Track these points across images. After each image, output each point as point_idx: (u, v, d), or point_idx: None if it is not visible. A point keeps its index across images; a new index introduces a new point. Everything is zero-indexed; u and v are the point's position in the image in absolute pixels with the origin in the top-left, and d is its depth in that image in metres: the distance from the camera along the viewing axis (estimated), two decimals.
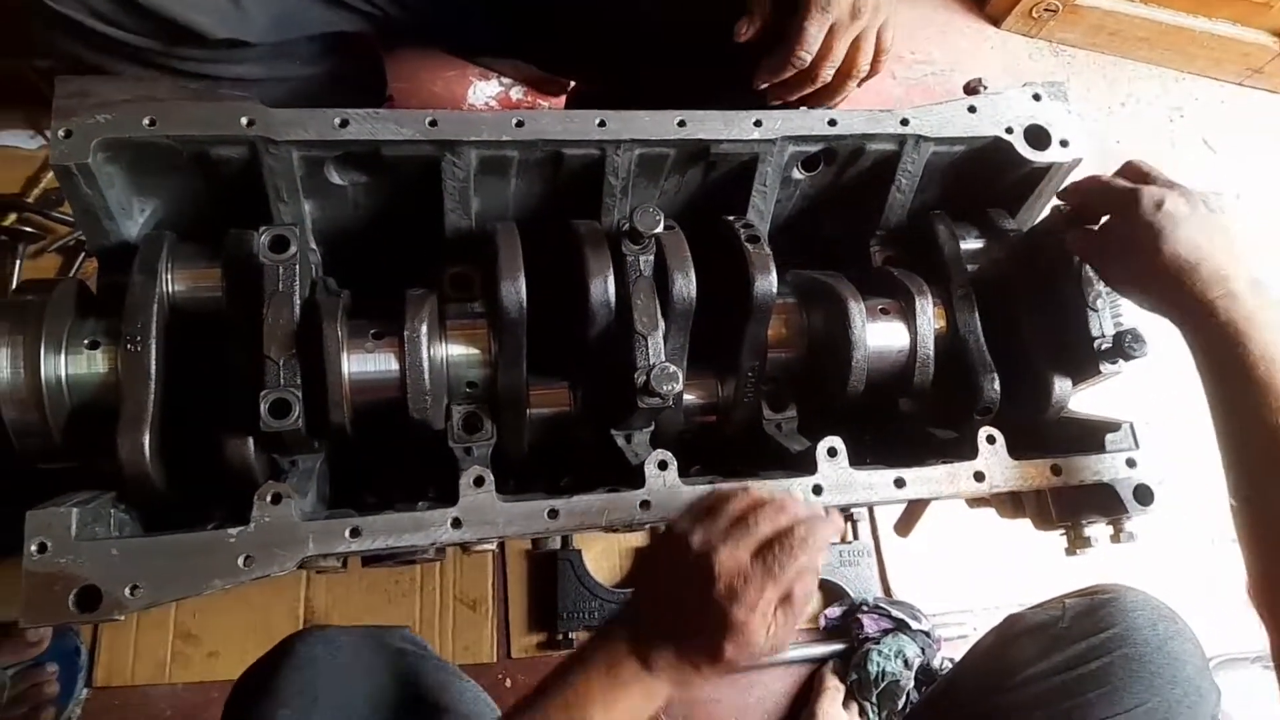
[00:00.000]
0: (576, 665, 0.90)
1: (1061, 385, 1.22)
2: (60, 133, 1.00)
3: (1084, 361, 1.20)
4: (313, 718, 0.94)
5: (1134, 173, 1.13)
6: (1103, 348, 1.18)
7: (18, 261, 1.80)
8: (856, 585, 1.84)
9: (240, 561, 0.91)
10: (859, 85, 1.34)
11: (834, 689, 1.75)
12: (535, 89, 2.16)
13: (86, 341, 1.03)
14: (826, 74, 1.29)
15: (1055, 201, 1.29)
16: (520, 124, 1.12)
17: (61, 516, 0.89)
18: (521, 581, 1.77)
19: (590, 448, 1.21)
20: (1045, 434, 1.23)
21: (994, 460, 1.11)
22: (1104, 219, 1.14)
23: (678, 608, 0.89)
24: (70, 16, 1.17)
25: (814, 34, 1.24)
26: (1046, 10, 2.44)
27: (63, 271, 1.82)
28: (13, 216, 1.81)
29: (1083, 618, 1.15)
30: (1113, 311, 1.20)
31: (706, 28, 1.32)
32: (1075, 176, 1.31)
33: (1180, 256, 1.01)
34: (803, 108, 1.30)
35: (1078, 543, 1.20)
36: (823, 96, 1.34)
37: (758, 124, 1.18)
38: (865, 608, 1.80)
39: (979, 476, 1.10)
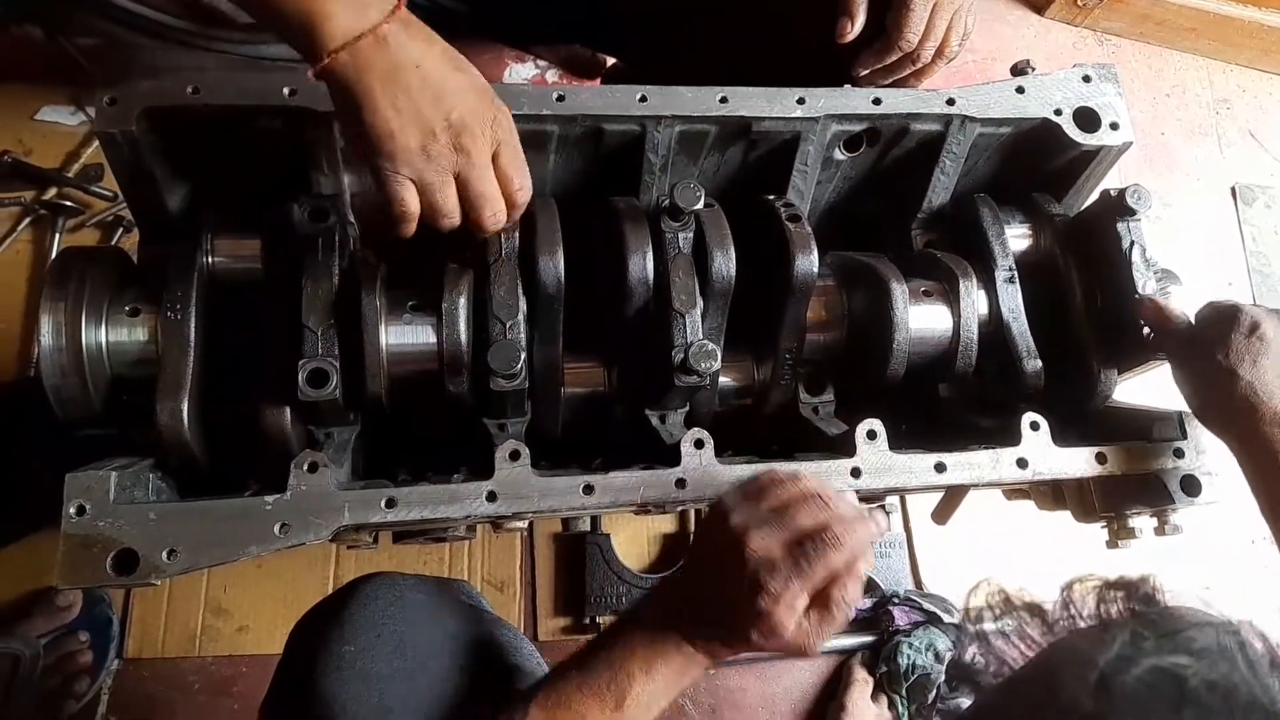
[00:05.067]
0: (620, 630, 0.90)
1: (1107, 373, 1.19)
2: (105, 100, 1.00)
3: (1131, 349, 1.18)
4: (375, 655, 0.94)
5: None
6: (1151, 335, 1.15)
7: (56, 235, 1.82)
8: (887, 577, 1.82)
9: (276, 529, 0.91)
10: (946, 65, 1.33)
11: (862, 681, 1.73)
12: (571, 72, 2.15)
13: (127, 309, 1.04)
14: (927, 54, 1.28)
15: (1103, 185, 1.27)
16: (561, 98, 1.11)
17: (101, 479, 0.90)
18: (549, 564, 1.76)
19: (624, 428, 1.20)
20: (1090, 423, 1.21)
21: (1038, 447, 1.08)
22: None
23: (712, 584, 0.88)
24: None
25: (920, 14, 1.23)
26: None
27: None
28: (53, 191, 1.83)
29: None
30: (1163, 299, 1.17)
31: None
32: (1125, 163, 1.29)
33: (1255, 389, 1.00)
34: (847, 85, 1.27)
35: (1121, 534, 1.17)
36: (914, 79, 1.33)
37: (801, 102, 1.17)
38: (896, 600, 1.78)
39: (1022, 463, 1.08)
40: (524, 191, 1.00)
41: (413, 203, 0.92)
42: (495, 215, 0.98)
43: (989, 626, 0.94)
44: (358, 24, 0.85)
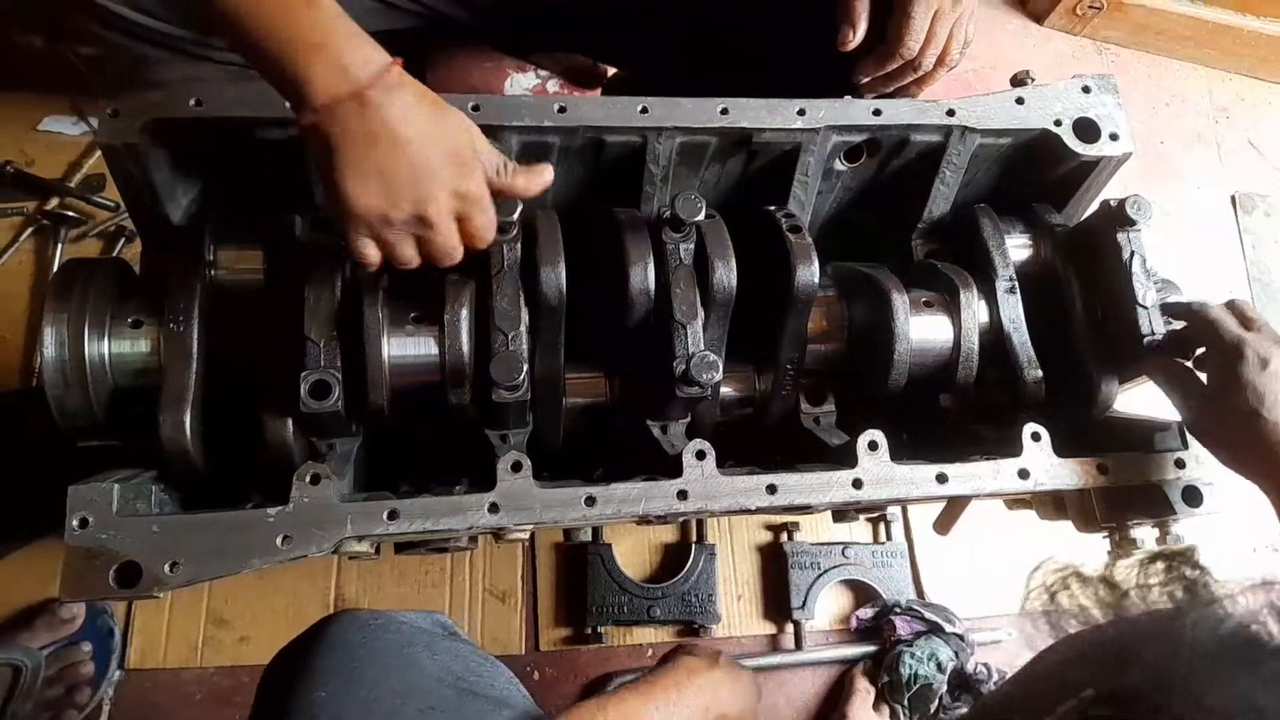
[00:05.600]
0: None
1: (1108, 383, 1.19)
2: (108, 111, 1.00)
3: (1132, 360, 1.18)
4: (347, 700, 0.93)
5: (1240, 315, 1.07)
6: (1152, 346, 1.15)
7: (59, 246, 1.82)
8: (889, 587, 1.81)
9: (279, 541, 0.91)
10: (947, 73, 1.33)
11: (864, 691, 1.73)
12: (572, 81, 2.16)
13: (130, 321, 1.04)
14: (928, 62, 1.28)
15: (1103, 195, 1.27)
16: (562, 109, 1.12)
17: (104, 492, 0.90)
18: (551, 574, 1.76)
19: (625, 439, 1.20)
20: (1091, 433, 1.20)
21: (1039, 457, 1.08)
22: (1199, 354, 1.10)
23: None
24: (104, 5, 1.18)
25: (921, 22, 1.23)
26: (1091, 7, 2.40)
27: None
28: (55, 201, 1.83)
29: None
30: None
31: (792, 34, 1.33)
32: (1125, 171, 1.29)
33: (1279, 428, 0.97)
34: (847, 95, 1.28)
35: (1123, 544, 1.17)
36: (916, 87, 1.34)
37: (801, 113, 1.17)
38: (898, 610, 1.78)
39: (1024, 474, 1.08)
40: (486, 242, 1.00)
41: (373, 255, 0.94)
42: (452, 262, 0.99)
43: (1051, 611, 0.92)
44: (340, 86, 0.86)
